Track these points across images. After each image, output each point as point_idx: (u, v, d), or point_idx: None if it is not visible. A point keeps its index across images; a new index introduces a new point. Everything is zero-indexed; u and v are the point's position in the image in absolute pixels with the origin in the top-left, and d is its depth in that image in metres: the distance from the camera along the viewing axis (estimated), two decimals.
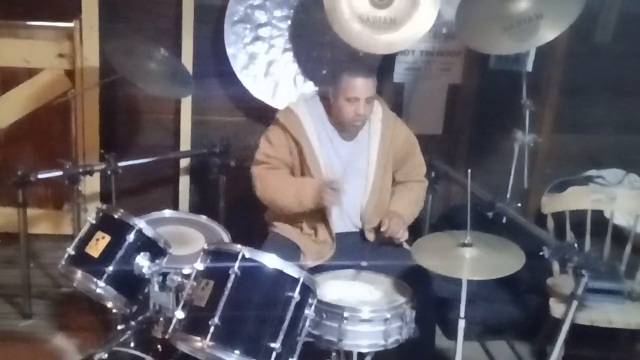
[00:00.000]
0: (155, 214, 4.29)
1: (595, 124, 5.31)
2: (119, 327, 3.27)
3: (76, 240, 3.33)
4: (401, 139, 4.05)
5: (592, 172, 5.18)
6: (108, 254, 3.19)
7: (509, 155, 4.41)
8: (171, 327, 2.83)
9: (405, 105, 5.16)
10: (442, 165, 4.49)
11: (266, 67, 4.95)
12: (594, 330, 3.84)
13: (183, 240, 3.99)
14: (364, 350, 3.30)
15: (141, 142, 5.15)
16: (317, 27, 4.84)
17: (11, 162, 4.95)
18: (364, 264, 3.65)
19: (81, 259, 3.23)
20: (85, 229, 3.35)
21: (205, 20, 4.91)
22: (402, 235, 3.85)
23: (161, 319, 3.11)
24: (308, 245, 3.90)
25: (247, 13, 4.84)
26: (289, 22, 4.92)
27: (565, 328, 3.61)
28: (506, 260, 3.21)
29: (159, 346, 3.08)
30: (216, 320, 2.71)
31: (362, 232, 4.00)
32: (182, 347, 2.81)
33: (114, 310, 3.30)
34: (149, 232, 3.26)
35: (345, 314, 3.20)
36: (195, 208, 5.11)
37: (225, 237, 4.13)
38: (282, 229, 3.99)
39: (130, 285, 3.21)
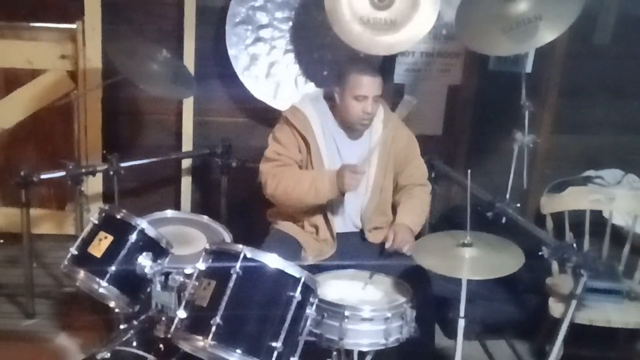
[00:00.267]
0: (158, 214, 4.29)
1: (594, 125, 5.30)
2: (122, 327, 3.27)
3: (79, 240, 3.33)
4: (402, 140, 4.04)
5: (591, 173, 5.18)
6: (111, 254, 3.19)
7: (508, 155, 4.40)
8: (173, 326, 2.83)
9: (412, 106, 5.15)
10: (442, 165, 4.50)
11: (267, 68, 4.95)
12: (593, 330, 3.85)
13: (185, 240, 3.99)
14: (364, 349, 3.31)
15: (143, 142, 5.15)
16: (318, 28, 4.84)
17: (14, 163, 4.97)
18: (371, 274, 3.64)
19: (84, 259, 3.23)
20: (87, 229, 3.34)
21: (207, 22, 4.91)
22: (411, 247, 3.76)
23: (163, 318, 3.11)
24: (309, 242, 3.90)
25: (249, 14, 4.85)
26: (290, 23, 4.93)
27: (564, 327, 3.61)
28: (506, 260, 3.21)
29: (161, 345, 3.08)
30: (218, 319, 2.71)
31: (362, 232, 4.00)
32: (184, 347, 2.81)
33: (117, 310, 3.30)
34: (151, 232, 3.26)
35: (346, 313, 3.21)
36: (197, 208, 5.11)
37: (227, 237, 4.12)
38: (283, 226, 3.99)
39: (133, 285, 3.21)
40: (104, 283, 3.15)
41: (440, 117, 5.23)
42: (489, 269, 3.19)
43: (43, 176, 4.25)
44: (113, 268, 3.16)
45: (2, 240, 5.20)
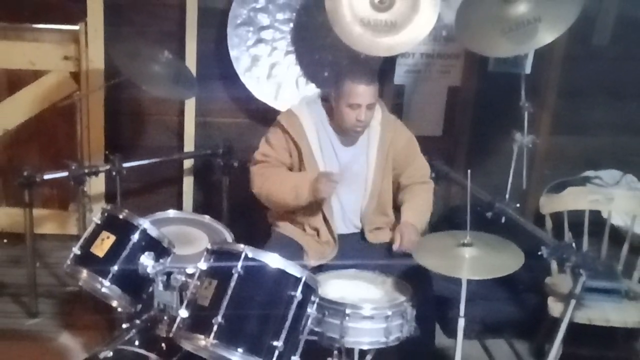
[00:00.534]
0: (160, 214, 4.29)
1: (593, 126, 5.30)
2: (124, 326, 3.26)
3: (81, 240, 3.33)
4: (402, 141, 4.04)
5: (589, 173, 5.18)
6: (113, 254, 3.19)
7: (507, 156, 4.40)
8: (175, 325, 2.83)
9: (406, 107, 5.16)
10: (442, 166, 4.49)
11: (269, 69, 4.95)
12: (592, 329, 3.84)
13: (187, 240, 3.99)
14: (365, 347, 3.31)
15: (145, 143, 5.15)
16: (319, 30, 4.85)
17: (17, 163, 4.96)
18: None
19: (86, 259, 3.23)
20: (90, 229, 3.34)
21: (208, 23, 4.91)
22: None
23: (165, 317, 3.11)
24: (311, 245, 3.90)
25: (250, 16, 4.85)
26: (292, 25, 4.93)
27: (563, 327, 3.61)
28: (505, 260, 3.21)
29: (163, 344, 3.08)
30: (219, 319, 2.71)
31: (362, 233, 4.00)
32: (186, 346, 2.81)
33: (119, 309, 3.29)
34: (153, 232, 3.26)
35: (347, 311, 3.22)
36: (198, 208, 5.11)
37: (229, 237, 4.12)
38: (285, 228, 3.99)
39: (135, 284, 3.21)
40: (106, 282, 3.16)
41: (440, 118, 5.23)
42: (488, 269, 3.19)
43: (46, 176, 4.26)
44: (115, 268, 3.16)
45: (5, 240, 5.21)
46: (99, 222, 3.32)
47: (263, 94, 4.95)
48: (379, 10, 4.26)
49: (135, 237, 3.22)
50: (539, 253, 3.57)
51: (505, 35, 3.97)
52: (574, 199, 4.31)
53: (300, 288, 2.83)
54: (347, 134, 3.91)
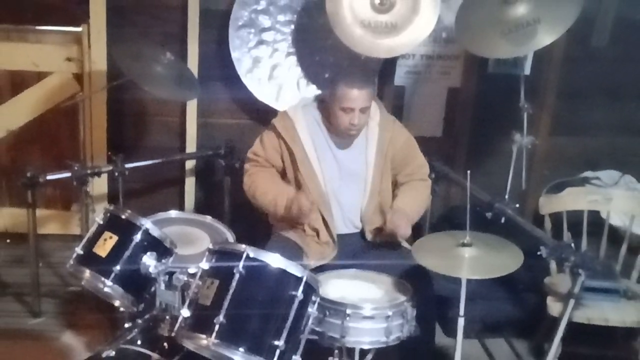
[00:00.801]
0: (162, 215, 4.29)
1: (591, 127, 5.30)
2: (126, 325, 3.26)
3: (84, 240, 3.33)
4: (400, 141, 4.04)
5: (588, 174, 5.18)
6: (115, 254, 3.19)
7: (507, 157, 4.40)
8: (177, 325, 2.83)
9: (406, 107, 5.16)
10: (441, 166, 4.50)
11: (270, 70, 4.95)
12: (591, 328, 3.85)
13: (189, 240, 3.99)
14: (365, 347, 3.31)
15: (148, 144, 5.15)
16: (319, 31, 4.84)
17: (20, 164, 4.97)
18: None
19: (89, 259, 3.23)
20: (93, 229, 3.34)
21: (210, 25, 4.91)
22: (405, 232, 3.80)
23: (167, 317, 3.11)
24: (311, 246, 3.91)
25: (252, 18, 4.85)
26: (293, 26, 4.93)
27: (562, 326, 3.62)
28: (505, 260, 3.21)
29: (165, 344, 3.08)
30: (221, 318, 2.71)
31: (362, 233, 4.00)
32: (188, 345, 2.81)
33: (121, 309, 3.30)
34: (155, 232, 3.26)
35: (348, 311, 3.22)
36: (200, 209, 5.11)
37: (230, 237, 4.13)
38: (285, 229, 3.99)
39: (137, 284, 3.21)
40: (109, 282, 3.16)
41: (440, 119, 5.24)
42: (488, 269, 3.19)
43: (49, 177, 4.26)
44: (118, 267, 3.16)
45: (8, 240, 5.21)
46: (101, 222, 3.32)
47: (264, 95, 4.95)
48: (379, 12, 4.27)
49: (138, 237, 3.22)
50: (538, 253, 3.58)
51: (504, 37, 3.97)
52: (573, 200, 4.31)
53: (301, 288, 2.83)
54: (342, 136, 3.91)
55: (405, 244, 3.92)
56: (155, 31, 4.94)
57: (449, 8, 4.71)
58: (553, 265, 4.20)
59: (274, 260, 2.84)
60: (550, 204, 4.34)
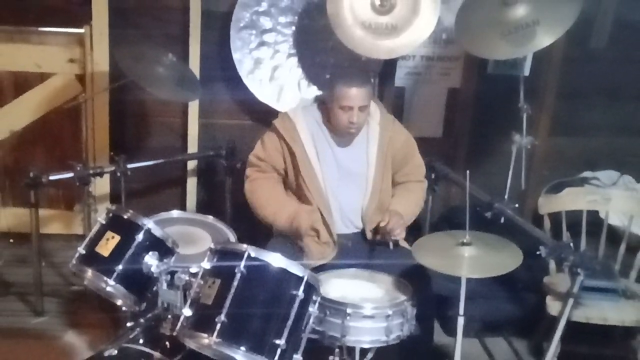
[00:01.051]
0: (164, 214, 4.30)
1: (590, 127, 5.30)
2: (128, 324, 3.27)
3: (87, 239, 3.33)
4: (400, 140, 4.05)
5: (587, 174, 5.18)
6: (118, 253, 3.20)
7: (506, 157, 4.40)
8: (179, 324, 2.84)
9: (406, 108, 5.16)
10: (441, 166, 4.49)
11: (271, 71, 4.96)
12: (590, 328, 3.85)
13: (190, 240, 3.99)
14: (366, 346, 3.31)
15: (150, 144, 5.15)
16: (320, 33, 4.84)
17: (23, 164, 4.97)
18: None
19: (92, 258, 3.24)
20: (95, 229, 3.35)
21: (212, 27, 4.91)
22: (400, 234, 3.83)
23: (169, 316, 3.12)
24: (311, 246, 3.90)
25: (253, 19, 4.85)
26: (294, 28, 4.93)
27: (561, 325, 3.62)
28: (504, 259, 3.21)
29: (167, 343, 3.08)
30: (222, 317, 2.71)
31: (363, 233, 4.00)
32: (190, 344, 2.82)
33: (124, 308, 3.30)
34: (157, 232, 3.26)
35: (348, 311, 3.22)
36: (202, 208, 5.11)
37: (232, 236, 4.13)
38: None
39: (139, 283, 3.22)
40: (111, 282, 3.16)
41: (440, 120, 5.24)
42: (487, 268, 3.19)
43: (52, 177, 4.26)
44: (120, 267, 3.17)
45: (11, 240, 5.21)
46: (103, 222, 3.33)
47: (265, 96, 4.96)
48: (379, 13, 4.27)
49: (140, 237, 3.22)
50: (538, 252, 3.58)
51: (504, 38, 3.97)
52: (572, 200, 4.31)
53: (302, 287, 2.84)
54: (343, 135, 3.91)
55: (405, 244, 3.92)
56: (157, 32, 4.95)
57: (448, 9, 4.71)
58: (552, 264, 4.20)
59: (275, 259, 2.85)
60: (550, 204, 4.34)
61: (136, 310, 3.28)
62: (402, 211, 3.93)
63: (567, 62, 5.02)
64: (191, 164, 5.13)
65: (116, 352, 3.02)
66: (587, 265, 3.49)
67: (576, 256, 3.52)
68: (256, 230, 4.06)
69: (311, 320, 2.94)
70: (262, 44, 4.92)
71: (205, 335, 2.73)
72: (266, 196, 3.94)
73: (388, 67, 5.00)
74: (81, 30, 4.92)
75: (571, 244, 3.65)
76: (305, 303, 2.87)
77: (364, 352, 3.34)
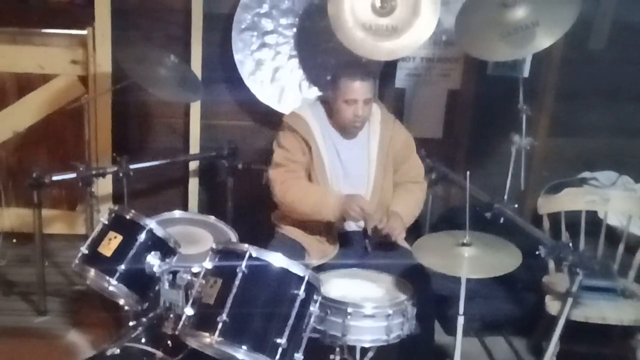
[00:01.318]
0: (166, 215, 4.30)
1: (589, 128, 5.30)
2: (131, 324, 3.27)
3: (89, 239, 3.33)
4: (400, 140, 4.05)
5: (586, 174, 5.18)
6: (120, 253, 3.19)
7: (506, 158, 4.40)
8: (181, 323, 2.83)
9: (406, 109, 5.16)
10: (441, 167, 4.48)
11: (272, 73, 4.96)
12: (588, 327, 3.84)
13: (192, 240, 3.99)
14: (366, 345, 3.31)
15: (152, 145, 5.16)
16: (321, 34, 4.85)
17: (27, 165, 4.97)
18: None
19: (94, 258, 3.23)
20: (98, 229, 3.34)
21: (213, 28, 4.91)
22: (399, 234, 3.82)
23: (171, 315, 3.12)
24: (313, 244, 3.90)
25: (254, 21, 4.85)
26: (295, 29, 4.93)
27: (560, 324, 3.61)
28: (503, 259, 3.21)
29: (169, 342, 3.08)
30: (224, 316, 2.71)
31: (364, 232, 4.00)
32: (192, 343, 2.82)
33: (126, 308, 3.30)
34: (159, 232, 3.26)
35: (349, 310, 3.22)
36: (204, 209, 5.11)
37: (233, 236, 4.13)
38: (287, 229, 3.99)
39: (142, 283, 3.21)
40: (113, 281, 3.16)
41: (440, 121, 5.24)
42: (487, 268, 3.19)
43: (54, 178, 4.26)
44: (122, 267, 3.17)
45: (15, 240, 5.21)
46: (106, 222, 3.32)
47: (267, 97, 4.95)
48: (380, 15, 4.27)
49: (142, 237, 3.22)
50: (537, 252, 3.57)
51: (503, 40, 3.97)
52: (571, 200, 4.31)
53: (303, 287, 2.83)
54: (347, 131, 3.91)
55: (405, 244, 3.92)
56: (159, 34, 4.95)
57: (448, 11, 4.71)
58: (551, 264, 4.20)
59: (277, 259, 2.84)
60: (549, 204, 4.34)
61: (138, 309, 3.28)
62: (401, 211, 3.92)
63: (566, 63, 5.03)
64: (193, 165, 5.13)
65: (118, 351, 3.02)
66: (586, 265, 3.49)
67: (575, 256, 3.51)
68: (257, 230, 4.06)
69: (312, 320, 2.94)
70: (263, 45, 4.92)
71: (207, 334, 2.73)
72: (303, 191, 3.86)
73: (388, 69, 5.00)
74: (84, 32, 4.92)
75: (570, 244, 3.64)
76: (306, 302, 2.87)
77: (364, 351, 3.34)
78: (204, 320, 2.77)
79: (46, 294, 4.51)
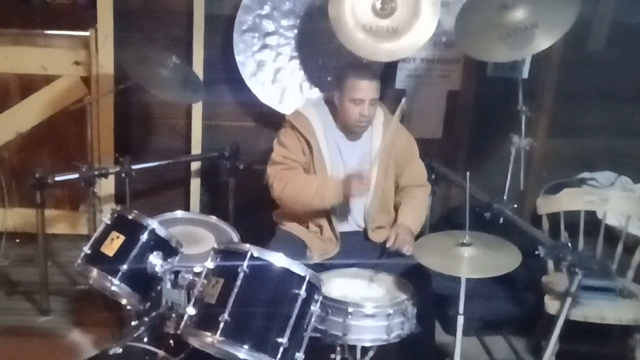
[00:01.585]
0: (168, 215, 4.30)
1: (588, 129, 5.30)
2: (133, 323, 3.26)
3: (92, 239, 3.33)
4: (402, 142, 4.05)
5: (585, 175, 5.17)
6: (122, 253, 3.20)
7: (505, 158, 4.40)
8: (183, 323, 2.84)
9: (407, 110, 5.15)
10: (441, 168, 4.50)
11: (274, 74, 4.96)
12: (587, 326, 3.84)
13: (194, 240, 4.00)
14: (367, 344, 3.31)
15: (154, 146, 5.16)
16: (322, 36, 4.84)
17: (30, 165, 4.97)
18: None
19: (97, 258, 3.24)
20: (100, 229, 3.35)
21: (215, 30, 4.92)
22: (408, 250, 3.76)
23: (173, 315, 3.12)
24: (314, 242, 3.91)
25: (256, 22, 4.85)
26: (296, 31, 4.93)
27: (559, 324, 3.61)
28: (503, 259, 3.21)
29: (171, 341, 3.08)
30: (226, 316, 2.71)
31: (365, 232, 4.01)
32: (193, 342, 2.81)
33: (128, 307, 3.30)
34: (161, 232, 3.26)
35: (350, 310, 3.22)
36: (205, 209, 5.12)
37: (235, 236, 4.14)
38: (289, 227, 3.99)
39: (144, 283, 3.21)
40: (116, 281, 3.16)
41: (440, 121, 5.23)
42: (487, 268, 3.19)
43: (57, 178, 4.26)
44: (125, 267, 3.17)
45: (18, 240, 5.21)
46: (108, 222, 3.33)
47: (268, 98, 4.96)
48: (380, 16, 4.26)
49: (144, 236, 3.22)
50: (536, 252, 3.57)
51: (503, 41, 3.97)
52: (570, 200, 4.32)
53: (304, 286, 2.83)
54: (352, 131, 3.92)
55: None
56: (161, 35, 4.95)
57: (448, 13, 4.71)
58: (550, 264, 4.20)
59: (278, 259, 2.85)
60: (548, 204, 4.34)
61: (140, 309, 3.28)
62: (411, 223, 3.93)
63: (565, 64, 5.02)
64: (195, 165, 5.13)
65: (121, 350, 3.02)
66: (585, 265, 3.49)
67: (574, 256, 3.52)
68: (259, 230, 4.06)
69: (313, 319, 2.94)
70: (264, 46, 4.92)
71: (209, 333, 2.73)
72: (303, 181, 3.86)
73: (389, 70, 5.00)
74: (86, 33, 4.92)
75: (569, 244, 3.65)
76: (307, 302, 2.87)
77: (365, 350, 3.35)
78: (206, 319, 2.77)
79: (49, 293, 4.52)
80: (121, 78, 4.70)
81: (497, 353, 4.44)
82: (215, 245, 2.98)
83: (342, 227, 3.98)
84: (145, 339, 3.13)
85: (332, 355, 3.36)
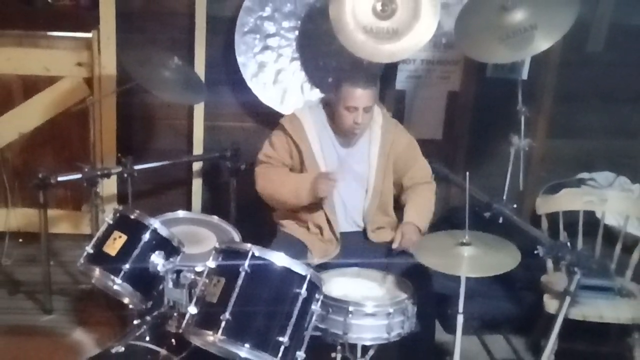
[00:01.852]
0: (170, 215, 4.31)
1: (587, 129, 5.29)
2: (135, 322, 3.27)
3: (94, 239, 3.34)
4: (402, 144, 4.05)
5: (584, 175, 5.17)
6: (125, 253, 3.21)
7: (505, 158, 4.40)
8: (184, 322, 2.84)
9: (407, 111, 5.15)
10: (441, 168, 4.48)
11: (275, 75, 4.96)
12: (586, 325, 3.85)
13: (196, 240, 4.00)
14: (367, 343, 3.32)
15: (156, 146, 5.16)
16: (323, 37, 4.85)
17: (33, 166, 4.96)
18: None
19: (99, 257, 3.25)
20: (103, 228, 3.36)
21: (217, 31, 4.91)
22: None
23: (175, 314, 3.12)
24: (314, 243, 3.91)
25: (257, 24, 4.85)
26: (297, 32, 4.93)
27: (558, 323, 3.61)
28: (502, 259, 3.22)
29: (172, 340, 3.09)
30: (227, 315, 2.72)
31: (365, 232, 4.01)
32: (195, 341, 2.82)
33: (130, 306, 3.31)
34: (163, 231, 3.27)
35: (350, 309, 3.22)
36: (207, 209, 5.11)
37: (236, 236, 4.14)
38: (290, 228, 4.00)
39: (146, 282, 3.22)
40: (118, 280, 3.17)
41: (440, 122, 5.23)
42: (486, 267, 3.19)
43: (60, 178, 4.26)
44: (127, 266, 3.18)
45: (21, 240, 5.21)
46: (111, 222, 3.33)
47: (269, 99, 4.96)
48: (381, 18, 4.27)
49: (146, 236, 3.23)
50: (535, 252, 3.56)
51: (502, 43, 3.97)
52: (569, 200, 4.31)
53: (305, 286, 2.84)
54: (347, 135, 3.92)
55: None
56: (163, 37, 4.95)
57: (448, 14, 4.71)
58: (549, 263, 4.20)
59: (279, 259, 2.85)
60: (547, 204, 4.34)
61: (143, 308, 3.28)
62: (417, 221, 3.93)
63: (564, 65, 5.02)
64: (196, 166, 5.13)
65: (123, 349, 3.02)
66: (584, 264, 3.48)
67: (573, 255, 3.51)
68: (260, 229, 4.07)
69: (314, 318, 2.95)
70: (266, 48, 4.92)
71: (210, 332, 2.73)
72: (282, 178, 3.92)
73: (389, 71, 5.00)
74: (89, 35, 4.92)
75: (568, 244, 3.63)
76: (308, 301, 2.87)
77: (365, 349, 3.36)
78: (207, 318, 2.78)
79: (52, 293, 4.52)
80: (123, 79, 4.71)
81: (496, 352, 4.43)
82: (217, 245, 2.98)
83: (342, 227, 3.98)
84: (147, 338, 3.13)
85: (333, 354, 3.36)
